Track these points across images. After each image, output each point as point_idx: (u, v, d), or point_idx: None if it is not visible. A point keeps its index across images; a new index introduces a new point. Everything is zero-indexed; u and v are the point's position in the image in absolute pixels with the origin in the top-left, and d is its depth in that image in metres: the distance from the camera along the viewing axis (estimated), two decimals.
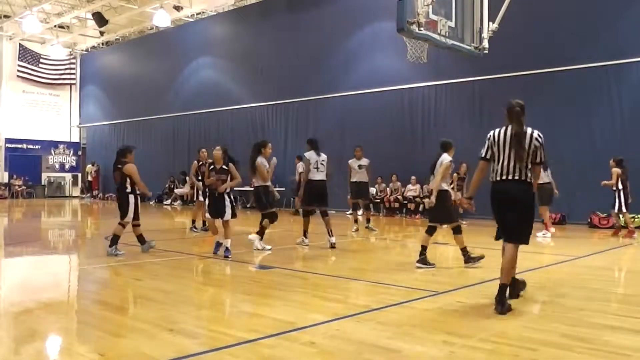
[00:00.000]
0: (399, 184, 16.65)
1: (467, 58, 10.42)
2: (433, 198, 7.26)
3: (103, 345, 3.94)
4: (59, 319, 4.84)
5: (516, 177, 4.98)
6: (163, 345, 3.93)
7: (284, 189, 19.16)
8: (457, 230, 7.35)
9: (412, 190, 16.25)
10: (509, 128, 5.08)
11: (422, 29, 7.51)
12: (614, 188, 10.78)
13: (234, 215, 8.19)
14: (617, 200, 10.84)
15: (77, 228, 13.75)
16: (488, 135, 5.22)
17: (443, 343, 3.97)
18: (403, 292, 5.70)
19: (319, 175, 9.45)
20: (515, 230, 5.06)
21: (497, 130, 5.17)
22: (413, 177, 16.26)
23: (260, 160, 8.92)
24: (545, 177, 10.55)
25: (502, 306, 4.79)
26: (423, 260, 7.24)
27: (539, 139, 5.04)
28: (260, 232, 8.86)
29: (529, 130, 5.09)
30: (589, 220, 13.00)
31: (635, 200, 12.51)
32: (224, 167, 8.15)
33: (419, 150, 16.61)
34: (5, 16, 25.53)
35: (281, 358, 3.66)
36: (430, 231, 7.30)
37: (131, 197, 8.24)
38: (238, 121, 21.55)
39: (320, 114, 19.04)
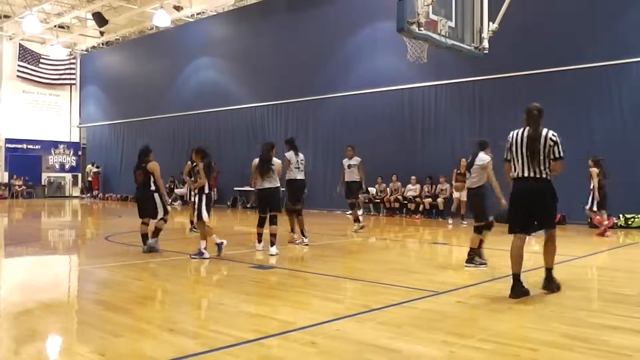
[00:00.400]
0: (399, 184, 16.65)
1: (467, 58, 10.41)
2: (502, 199, 7.10)
3: (103, 345, 3.93)
4: (59, 319, 4.84)
5: (531, 175, 5.43)
6: (163, 345, 3.93)
7: (283, 189, 19.15)
8: (478, 230, 7.25)
9: (412, 190, 16.26)
10: (526, 130, 5.51)
11: (422, 29, 7.51)
12: (591, 187, 11.18)
13: (163, 214, 8.39)
14: (591, 198, 11.20)
15: (77, 228, 13.75)
16: (508, 137, 5.67)
17: (443, 343, 3.97)
18: (403, 292, 5.70)
19: (300, 175, 9.73)
20: (544, 219, 5.60)
21: (515, 132, 5.61)
22: (413, 177, 16.27)
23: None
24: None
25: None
26: (471, 259, 7.18)
27: (554, 138, 5.43)
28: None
29: (544, 131, 5.48)
30: (589, 220, 12.98)
31: (635, 200, 12.54)
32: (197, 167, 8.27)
33: (419, 150, 16.63)
34: (5, 16, 25.54)
35: (281, 358, 3.66)
36: (479, 230, 7.24)
37: (156, 195, 8.35)
38: (238, 121, 21.55)
39: (320, 114, 19.04)
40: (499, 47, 9.96)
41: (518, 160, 5.50)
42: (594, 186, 11.11)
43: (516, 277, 5.41)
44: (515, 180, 5.58)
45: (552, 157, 5.41)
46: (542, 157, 5.39)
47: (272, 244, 8.17)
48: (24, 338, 4.21)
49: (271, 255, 8.01)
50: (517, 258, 5.48)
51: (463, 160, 12.94)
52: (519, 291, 5.34)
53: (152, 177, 8.29)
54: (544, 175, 5.44)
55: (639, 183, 12.56)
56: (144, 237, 8.42)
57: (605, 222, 11.28)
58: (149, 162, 8.33)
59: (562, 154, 5.44)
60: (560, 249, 6.50)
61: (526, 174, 5.44)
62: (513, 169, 5.60)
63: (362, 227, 11.85)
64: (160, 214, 8.40)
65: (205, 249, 7.84)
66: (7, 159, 27.17)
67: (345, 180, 11.95)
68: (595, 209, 11.25)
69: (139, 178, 8.38)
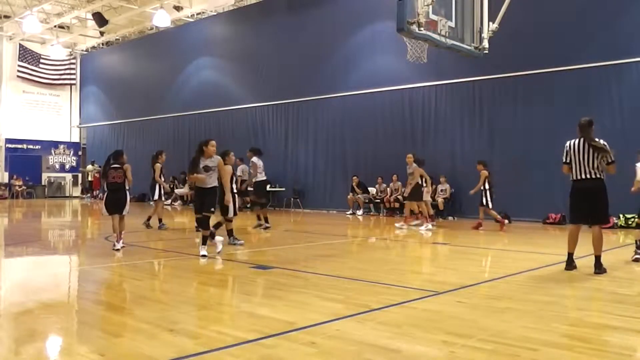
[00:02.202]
0: (399, 184, 16.64)
1: (467, 58, 10.41)
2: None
3: (103, 345, 3.93)
4: (59, 319, 4.84)
5: (589, 176, 6.62)
6: (163, 345, 3.93)
7: (284, 189, 19.19)
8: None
9: None
10: (581, 140, 6.70)
11: (422, 29, 7.51)
12: (482, 188, 12.28)
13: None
14: (484, 198, 12.29)
15: (77, 228, 13.74)
16: (566, 145, 6.88)
17: (443, 343, 3.97)
18: (403, 292, 5.70)
19: (265, 177, 12.30)
20: (597, 215, 6.71)
21: (573, 141, 6.81)
22: None
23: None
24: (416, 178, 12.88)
25: (600, 270, 6.62)
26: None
27: (605, 146, 6.61)
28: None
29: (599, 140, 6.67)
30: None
31: (635, 200, 12.54)
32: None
33: (419, 150, 16.60)
34: (5, 16, 25.55)
35: (281, 358, 3.66)
36: None
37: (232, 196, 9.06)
38: (238, 121, 21.56)
39: (320, 114, 19.04)
40: (499, 47, 9.97)
41: (577, 165, 6.71)
42: (486, 186, 12.26)
43: (598, 259, 6.76)
44: (575, 182, 6.79)
45: (605, 161, 6.64)
46: (597, 161, 6.62)
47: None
48: (24, 338, 4.21)
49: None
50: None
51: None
52: (602, 268, 6.69)
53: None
54: (600, 176, 6.70)
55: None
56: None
57: (499, 218, 12.50)
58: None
59: (613, 159, 6.67)
60: (560, 248, 6.52)
61: (587, 176, 6.66)
62: (572, 171, 6.79)
63: (261, 226, 12.44)
64: (230, 214, 8.99)
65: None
66: (7, 159, 27.17)
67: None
68: (490, 206, 12.31)
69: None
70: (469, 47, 8.96)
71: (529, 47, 14.05)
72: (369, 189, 17.25)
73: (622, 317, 4.69)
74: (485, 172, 12.28)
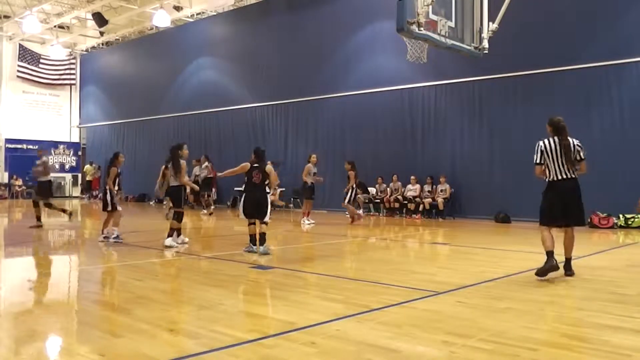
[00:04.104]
0: (399, 184, 16.64)
1: (467, 58, 10.41)
2: None
3: (103, 345, 3.93)
4: (59, 319, 4.84)
5: (568, 176, 6.46)
6: (163, 345, 3.93)
7: (284, 189, 19.16)
8: None
9: (412, 190, 16.25)
10: (556, 139, 6.53)
11: (422, 29, 7.50)
12: (352, 186, 13.82)
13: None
14: (348, 195, 13.85)
15: (77, 228, 13.74)
16: (539, 145, 6.61)
17: (443, 343, 3.97)
18: (403, 292, 5.70)
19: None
20: (575, 216, 6.54)
21: (547, 141, 6.59)
22: (413, 177, 16.26)
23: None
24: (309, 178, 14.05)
25: (571, 271, 6.51)
26: None
27: (580, 145, 6.55)
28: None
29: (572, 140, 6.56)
30: (589, 220, 12.99)
31: (635, 200, 12.55)
32: None
33: (419, 150, 16.63)
34: (5, 16, 25.54)
35: (281, 358, 3.66)
36: None
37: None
38: (238, 121, 21.55)
39: (320, 114, 19.04)
40: (499, 47, 9.96)
41: (553, 165, 6.50)
42: (352, 185, 13.77)
43: (569, 261, 6.65)
44: (554, 182, 6.53)
45: (579, 159, 6.50)
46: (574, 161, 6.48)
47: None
48: (24, 338, 4.21)
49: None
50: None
51: None
52: (571, 271, 6.58)
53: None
54: (576, 175, 6.55)
55: (639, 183, 12.56)
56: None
57: (359, 212, 14.43)
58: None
59: (584, 157, 6.55)
60: (561, 248, 6.52)
61: (565, 176, 6.47)
62: (548, 171, 6.57)
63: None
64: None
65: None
66: (7, 159, 27.16)
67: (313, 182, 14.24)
68: (350, 203, 13.92)
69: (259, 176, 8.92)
70: (469, 47, 8.95)
71: (529, 47, 14.04)
72: (369, 189, 17.24)
73: (622, 317, 4.69)
74: (353, 173, 13.30)
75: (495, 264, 7.30)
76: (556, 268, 6.28)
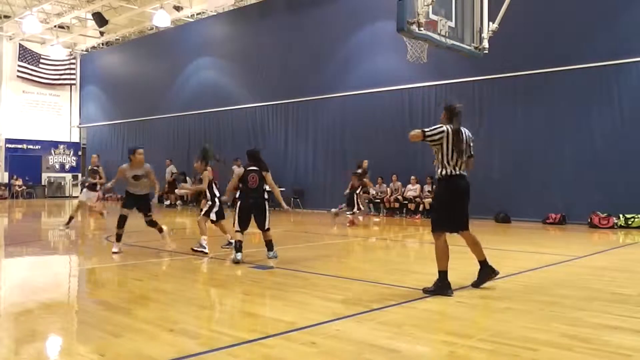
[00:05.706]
0: (399, 184, 16.64)
1: (467, 58, 10.41)
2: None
3: (103, 345, 3.93)
4: (59, 319, 4.84)
5: (464, 172, 5.78)
6: (163, 345, 3.92)
7: (284, 189, 19.16)
8: None
9: (412, 190, 16.25)
10: (459, 129, 5.85)
11: (422, 29, 7.49)
12: (349, 191, 13.97)
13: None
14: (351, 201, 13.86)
15: (77, 228, 13.73)
16: (442, 128, 5.85)
17: (443, 343, 3.97)
18: (403, 292, 5.70)
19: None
20: (467, 218, 5.85)
21: (451, 127, 5.84)
22: (413, 177, 16.27)
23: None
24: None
25: (495, 271, 5.79)
26: None
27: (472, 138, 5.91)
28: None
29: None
30: (589, 220, 13.00)
31: (635, 200, 12.56)
32: None
33: (419, 150, 16.60)
34: (5, 16, 25.54)
35: (281, 358, 3.66)
36: None
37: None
38: (238, 121, 21.56)
39: (320, 114, 19.04)
40: (499, 47, 9.96)
41: (453, 157, 5.72)
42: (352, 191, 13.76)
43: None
44: (456, 178, 5.73)
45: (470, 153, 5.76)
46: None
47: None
48: (24, 338, 4.21)
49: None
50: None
51: None
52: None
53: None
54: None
55: (639, 183, 12.57)
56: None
57: (352, 214, 14.06)
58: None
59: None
60: (561, 249, 6.51)
61: (462, 171, 5.72)
62: (444, 165, 5.76)
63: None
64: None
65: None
66: (7, 159, 27.17)
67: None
68: (344, 207, 14.05)
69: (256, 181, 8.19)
70: (469, 47, 8.94)
71: (529, 47, 14.05)
72: (369, 189, 17.22)
73: (622, 317, 4.68)
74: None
75: (495, 264, 7.27)
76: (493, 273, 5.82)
